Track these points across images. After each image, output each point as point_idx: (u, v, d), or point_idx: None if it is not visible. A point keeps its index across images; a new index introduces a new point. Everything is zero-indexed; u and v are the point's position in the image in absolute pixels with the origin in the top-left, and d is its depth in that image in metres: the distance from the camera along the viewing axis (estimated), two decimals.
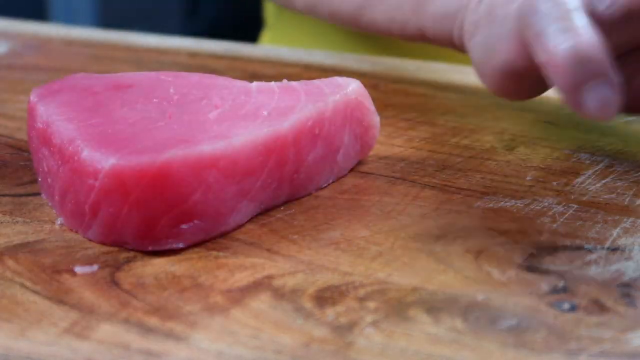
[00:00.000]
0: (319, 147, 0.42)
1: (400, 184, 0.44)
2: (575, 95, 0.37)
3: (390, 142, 0.48)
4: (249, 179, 0.39)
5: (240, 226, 0.40)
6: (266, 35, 0.78)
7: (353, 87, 0.44)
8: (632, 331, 0.33)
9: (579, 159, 0.46)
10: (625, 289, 0.35)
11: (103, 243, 0.38)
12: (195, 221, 0.38)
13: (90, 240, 0.38)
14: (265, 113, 0.41)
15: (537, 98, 0.56)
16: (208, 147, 0.38)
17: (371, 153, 0.46)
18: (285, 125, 0.40)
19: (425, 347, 0.32)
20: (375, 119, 0.45)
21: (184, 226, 0.37)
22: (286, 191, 0.41)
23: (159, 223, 0.37)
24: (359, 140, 0.45)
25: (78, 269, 0.36)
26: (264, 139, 0.39)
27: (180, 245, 0.38)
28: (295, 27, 0.73)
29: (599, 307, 0.34)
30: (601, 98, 0.37)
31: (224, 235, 0.39)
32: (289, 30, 0.74)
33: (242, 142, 0.39)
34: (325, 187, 0.43)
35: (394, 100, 0.54)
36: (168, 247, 0.38)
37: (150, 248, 0.38)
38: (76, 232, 0.39)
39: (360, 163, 0.45)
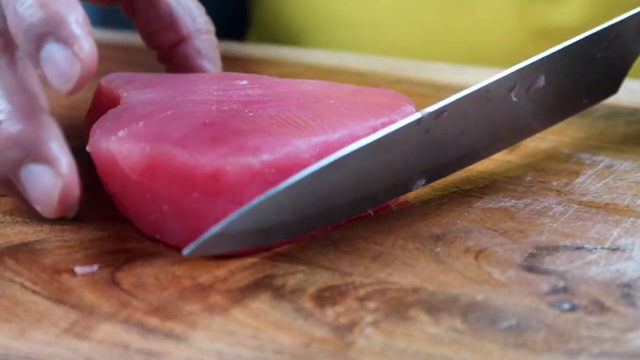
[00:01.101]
0: None
1: None
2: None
3: None
4: None
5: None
6: (253, 34, 0.78)
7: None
8: (632, 331, 0.33)
9: (579, 159, 0.46)
10: (625, 289, 0.35)
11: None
12: None
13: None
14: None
15: None
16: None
17: None
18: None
19: (425, 347, 0.32)
20: None
21: None
22: None
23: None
24: None
25: (78, 269, 0.36)
26: None
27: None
28: (282, 26, 0.73)
29: (599, 307, 0.34)
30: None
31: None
32: (276, 29, 0.74)
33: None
34: None
35: None
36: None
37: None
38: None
39: None
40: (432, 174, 0.41)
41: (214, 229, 0.35)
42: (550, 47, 0.44)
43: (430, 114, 0.40)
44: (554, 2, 0.66)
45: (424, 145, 0.40)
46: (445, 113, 0.40)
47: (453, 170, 0.42)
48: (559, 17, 0.67)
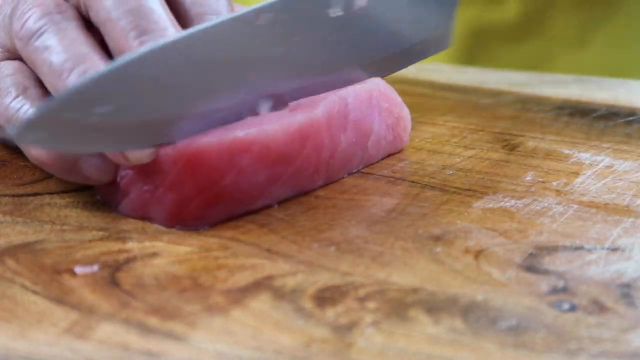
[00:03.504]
0: (350, 132, 0.43)
1: (400, 184, 0.44)
2: (74, 174, 0.40)
3: None
4: (282, 164, 0.40)
5: (268, 207, 0.41)
6: None
7: (374, 81, 0.46)
8: (632, 331, 0.33)
9: (579, 159, 0.46)
10: (625, 289, 0.35)
11: (130, 217, 0.40)
12: (224, 203, 0.39)
13: (122, 214, 0.40)
14: (294, 103, 0.43)
15: (537, 98, 0.56)
16: (241, 132, 0.39)
17: None
18: (318, 112, 0.42)
19: (425, 348, 0.32)
20: (405, 111, 0.47)
21: (212, 208, 0.39)
22: (323, 176, 0.43)
23: (190, 204, 0.39)
24: (391, 131, 0.46)
25: (78, 269, 0.36)
26: (299, 126, 0.41)
27: (205, 227, 0.39)
28: None
29: (599, 307, 0.34)
30: (95, 165, 0.40)
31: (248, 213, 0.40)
32: None
33: (274, 128, 0.40)
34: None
35: None
36: (194, 228, 0.39)
37: (177, 227, 0.39)
38: (108, 205, 0.41)
39: None
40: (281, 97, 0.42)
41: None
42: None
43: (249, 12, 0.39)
44: (490, 3, 0.67)
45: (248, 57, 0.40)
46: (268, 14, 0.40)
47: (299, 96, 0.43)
48: (496, 16, 0.68)
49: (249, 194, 0.40)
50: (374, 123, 0.45)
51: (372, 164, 0.45)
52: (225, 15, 0.41)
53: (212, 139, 0.39)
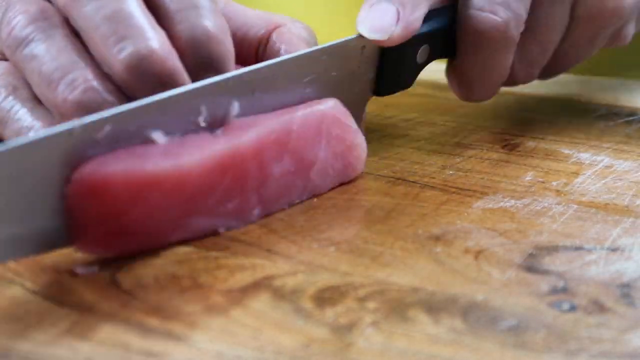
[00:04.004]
0: (287, 161, 0.41)
1: (400, 184, 0.44)
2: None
3: (390, 142, 0.49)
4: (199, 197, 0.38)
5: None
6: None
7: (328, 104, 0.43)
8: (631, 331, 0.33)
9: (578, 159, 0.46)
10: (625, 289, 0.35)
11: None
12: (130, 236, 0.37)
13: None
14: (235, 121, 0.40)
15: (537, 97, 0.56)
16: (153, 166, 0.37)
17: (371, 153, 0.46)
18: (245, 140, 0.39)
19: (425, 348, 0.32)
20: (360, 138, 0.44)
21: (116, 240, 0.37)
22: (255, 205, 0.40)
23: (91, 231, 0.36)
24: (339, 160, 0.43)
25: (78, 270, 0.36)
26: (220, 157, 0.38)
27: (109, 254, 0.37)
28: None
29: (599, 307, 0.34)
30: None
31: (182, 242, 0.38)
32: None
33: (191, 162, 0.37)
34: (300, 202, 0.42)
35: (394, 101, 0.54)
36: (96, 254, 0.37)
37: (80, 251, 0.37)
38: None
39: None
40: None
41: None
42: None
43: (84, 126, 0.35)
44: None
45: None
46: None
47: None
48: None
49: (162, 228, 0.37)
50: (320, 151, 0.42)
51: (321, 194, 0.43)
52: (206, 8, 0.39)
53: (119, 168, 0.36)
